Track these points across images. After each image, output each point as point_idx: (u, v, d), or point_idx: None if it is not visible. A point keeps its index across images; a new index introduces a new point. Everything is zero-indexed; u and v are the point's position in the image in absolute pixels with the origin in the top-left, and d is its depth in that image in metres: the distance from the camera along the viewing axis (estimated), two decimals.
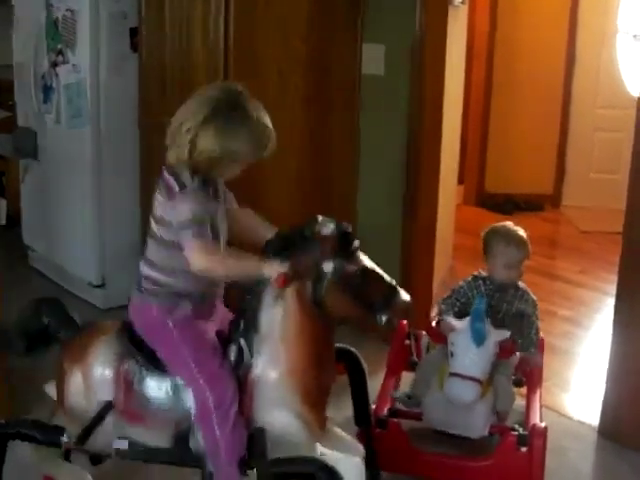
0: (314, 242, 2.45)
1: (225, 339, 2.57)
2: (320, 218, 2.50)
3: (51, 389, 2.76)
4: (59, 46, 4.95)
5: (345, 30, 4.47)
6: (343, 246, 2.46)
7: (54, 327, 2.75)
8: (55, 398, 2.73)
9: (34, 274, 5.59)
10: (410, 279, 4.41)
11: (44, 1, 5.03)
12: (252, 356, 2.51)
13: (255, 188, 4.16)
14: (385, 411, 3.36)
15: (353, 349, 2.89)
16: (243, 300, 2.54)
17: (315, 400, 2.53)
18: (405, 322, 3.80)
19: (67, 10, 4.83)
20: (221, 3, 4.05)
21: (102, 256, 4.98)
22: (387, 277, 2.49)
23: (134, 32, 4.74)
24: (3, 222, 3.61)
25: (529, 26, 7.52)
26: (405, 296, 2.49)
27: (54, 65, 5.03)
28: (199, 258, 2.43)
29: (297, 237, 2.48)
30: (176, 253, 2.49)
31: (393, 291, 2.47)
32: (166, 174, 2.48)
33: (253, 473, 2.45)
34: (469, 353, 3.20)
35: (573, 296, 5.58)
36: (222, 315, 2.67)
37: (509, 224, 3.65)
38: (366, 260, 2.50)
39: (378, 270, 2.50)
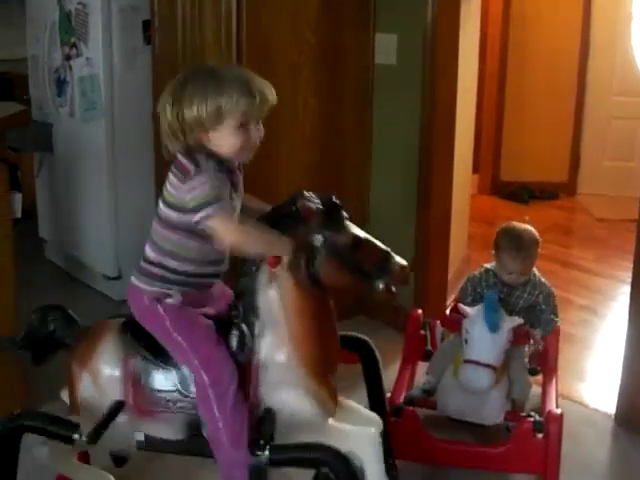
0: (301, 217, 2.44)
1: (225, 322, 2.56)
2: (305, 192, 2.51)
3: (66, 396, 2.78)
4: (72, 39, 4.97)
5: (357, 20, 4.46)
6: (331, 217, 2.45)
7: (60, 333, 2.77)
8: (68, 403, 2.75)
9: (49, 266, 5.62)
10: (425, 269, 4.42)
11: None
12: (254, 339, 2.51)
13: (267, 180, 4.17)
14: (401, 400, 3.37)
15: (367, 338, 2.89)
16: (239, 283, 2.54)
17: (323, 374, 2.52)
18: (420, 311, 3.81)
19: (79, 3, 4.85)
20: None
21: (117, 248, 5.00)
22: (380, 244, 2.47)
23: (147, 25, 4.75)
24: (19, 215, 3.62)
25: (543, 14, 7.49)
26: (400, 260, 2.46)
27: (68, 58, 5.05)
28: (228, 230, 2.41)
29: (283, 213, 2.47)
30: (180, 236, 2.49)
31: (387, 256, 2.45)
32: (180, 157, 2.46)
33: (265, 455, 2.44)
34: (483, 340, 3.20)
35: (589, 284, 5.57)
36: (222, 296, 2.66)
37: (523, 228, 3.60)
38: (356, 229, 2.48)
39: (370, 238, 2.48)
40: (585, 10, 7.57)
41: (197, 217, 2.39)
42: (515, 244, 3.51)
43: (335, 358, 2.60)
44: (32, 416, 2.69)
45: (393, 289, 2.46)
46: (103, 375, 2.63)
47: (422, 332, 3.79)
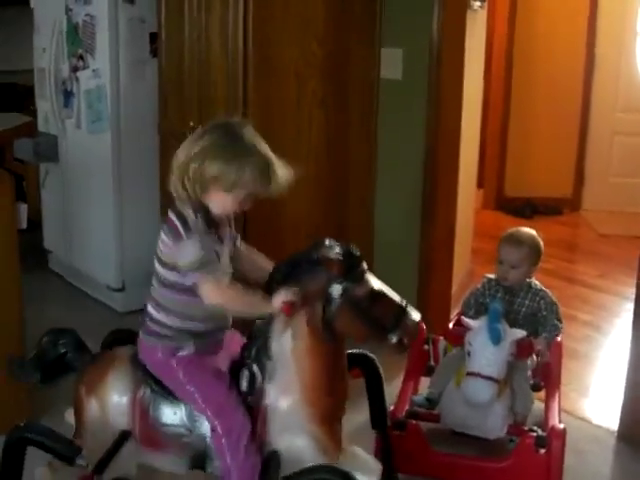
0: (321, 266, 2.44)
1: (237, 365, 2.57)
2: (327, 241, 2.50)
3: (70, 417, 2.78)
4: (79, 51, 4.99)
5: (363, 34, 4.47)
6: (351, 268, 2.44)
7: (70, 357, 2.77)
8: (74, 425, 2.75)
9: (54, 277, 5.63)
10: (429, 283, 4.42)
11: (64, 6, 5.07)
12: (264, 381, 2.52)
13: None
14: (403, 413, 3.37)
15: (369, 353, 2.89)
16: (254, 325, 2.55)
17: (329, 421, 2.53)
18: (424, 327, 3.81)
19: (86, 15, 4.87)
20: (239, 8, 4.06)
21: (121, 260, 5.01)
22: (396, 297, 2.48)
23: (154, 37, 4.77)
24: (24, 226, 3.63)
25: (548, 30, 7.51)
26: (415, 316, 2.48)
27: (74, 70, 5.07)
28: (213, 294, 2.45)
29: (304, 261, 2.47)
30: (180, 295, 2.51)
31: (403, 311, 2.46)
32: (171, 216, 2.48)
33: None
34: (486, 352, 3.20)
35: (592, 300, 5.56)
36: (233, 343, 2.67)
37: (521, 228, 3.67)
38: (375, 281, 2.48)
39: (387, 291, 2.48)
40: (590, 26, 7.58)
41: (188, 280, 2.45)
42: (511, 235, 3.59)
43: (342, 405, 2.60)
44: (37, 430, 2.69)
45: (405, 343, 2.47)
46: (111, 403, 2.62)
47: (425, 347, 3.80)
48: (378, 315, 2.44)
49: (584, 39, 7.60)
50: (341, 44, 4.41)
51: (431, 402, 3.53)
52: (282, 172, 2.50)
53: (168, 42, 4.63)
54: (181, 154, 2.49)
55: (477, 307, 3.59)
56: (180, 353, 2.56)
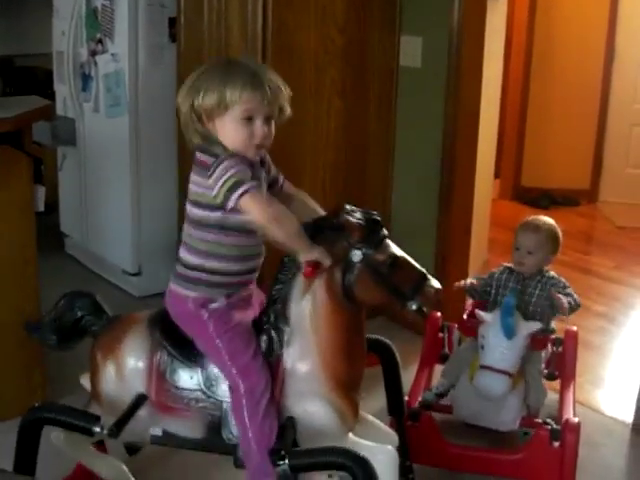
0: (342, 230, 2.43)
1: (256, 328, 2.56)
2: (348, 206, 2.49)
3: (86, 381, 2.78)
4: (98, 35, 4.99)
5: (382, 22, 4.47)
6: (371, 234, 2.44)
7: (87, 320, 2.78)
8: (89, 390, 2.76)
9: (70, 261, 5.64)
10: (445, 273, 4.41)
11: None
12: (282, 347, 2.52)
13: (291, 178, 4.18)
14: (417, 403, 3.37)
15: (387, 340, 2.90)
16: (273, 289, 2.54)
17: (347, 389, 2.53)
18: (439, 314, 3.80)
19: None
20: None
21: (138, 244, 5.02)
22: (417, 265, 2.48)
23: (173, 22, 4.77)
24: (41, 209, 3.64)
25: (568, 20, 7.47)
26: (435, 284, 2.46)
27: (93, 54, 5.06)
28: (261, 207, 2.39)
29: (325, 226, 2.47)
30: (210, 233, 2.49)
31: (423, 279, 2.46)
32: (199, 154, 2.46)
33: (285, 463, 2.44)
34: (499, 346, 3.19)
35: (608, 292, 5.54)
36: (259, 301, 2.66)
37: (541, 216, 3.66)
38: (395, 248, 2.48)
39: (407, 258, 2.48)
40: (611, 18, 7.54)
41: (230, 202, 2.37)
42: (529, 221, 3.59)
43: (360, 375, 2.60)
44: (53, 409, 2.70)
45: (425, 310, 2.46)
46: (127, 366, 2.63)
47: (440, 335, 3.79)
48: (398, 281, 2.44)
49: (604, 30, 7.55)
50: (360, 32, 4.40)
51: (440, 396, 3.54)
52: (276, 79, 2.49)
53: (187, 27, 4.62)
54: (180, 104, 2.50)
55: (489, 291, 3.58)
56: (211, 305, 2.54)
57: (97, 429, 2.56)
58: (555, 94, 7.62)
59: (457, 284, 3.60)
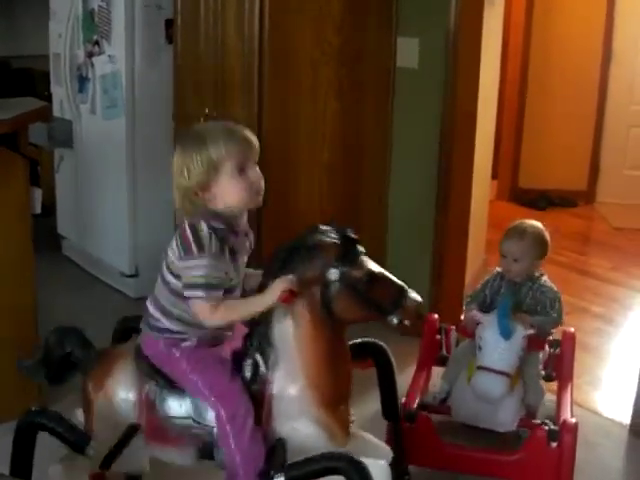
0: (317, 251, 2.44)
1: (240, 354, 2.56)
2: (321, 226, 2.49)
3: (81, 416, 2.78)
4: (95, 37, 4.99)
5: (379, 23, 4.46)
6: (347, 252, 2.44)
7: (76, 355, 2.78)
8: (84, 424, 2.75)
9: (67, 263, 5.64)
10: (442, 273, 4.41)
11: None
12: (268, 369, 2.51)
13: (287, 179, 4.19)
14: (414, 405, 3.36)
15: (381, 343, 2.89)
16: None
17: (335, 406, 2.53)
18: (436, 316, 3.80)
19: (102, 1, 4.87)
20: None
21: (135, 246, 5.02)
22: (395, 279, 2.47)
23: (169, 24, 4.77)
24: (38, 211, 3.63)
25: (565, 22, 7.48)
26: (415, 297, 2.46)
27: (90, 55, 5.07)
28: (207, 318, 2.44)
29: (299, 248, 2.47)
30: (183, 303, 2.50)
31: (402, 292, 2.45)
32: (187, 229, 2.45)
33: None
34: (497, 347, 3.19)
35: (605, 293, 5.54)
36: (235, 333, 2.66)
37: (526, 220, 3.64)
38: (372, 264, 2.48)
39: (385, 273, 2.48)
40: (608, 19, 7.55)
41: (186, 293, 2.44)
42: (513, 228, 3.57)
43: (347, 389, 2.60)
44: (48, 416, 2.69)
45: (407, 324, 2.46)
46: (118, 398, 2.63)
47: (438, 337, 3.79)
48: (377, 297, 2.43)
49: (601, 32, 7.56)
50: (357, 33, 4.39)
51: (444, 400, 3.53)
52: (242, 128, 2.52)
53: (184, 29, 4.62)
54: (175, 178, 2.50)
55: (485, 298, 3.58)
56: (183, 344, 2.57)
57: (91, 452, 2.56)
58: (552, 95, 7.63)
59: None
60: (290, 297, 2.40)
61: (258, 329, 2.53)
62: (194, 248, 2.41)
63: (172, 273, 2.52)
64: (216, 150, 2.43)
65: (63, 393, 3.23)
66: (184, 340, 2.56)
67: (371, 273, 2.45)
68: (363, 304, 2.44)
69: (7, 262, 3.45)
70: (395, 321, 2.44)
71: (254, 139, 2.51)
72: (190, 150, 2.46)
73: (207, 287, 2.40)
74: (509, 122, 7.63)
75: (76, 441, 2.59)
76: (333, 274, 2.41)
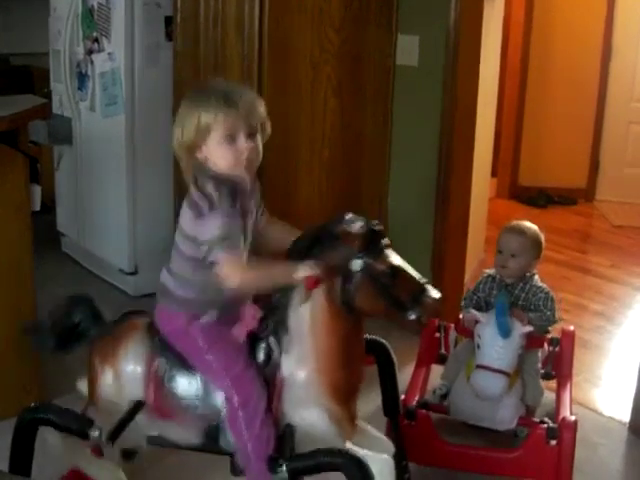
0: (341, 240, 2.43)
1: (254, 337, 2.56)
2: (348, 215, 2.49)
3: (83, 386, 2.77)
4: (94, 34, 4.98)
5: (379, 21, 4.46)
6: (372, 244, 2.44)
7: (85, 325, 2.76)
8: (87, 395, 2.75)
9: (67, 260, 5.63)
10: (441, 272, 4.41)
11: None
12: (280, 354, 2.52)
13: (287, 177, 4.18)
14: (414, 402, 3.36)
15: (383, 340, 2.89)
16: (272, 298, 2.54)
17: (344, 398, 2.52)
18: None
19: None
20: None
21: (134, 243, 5.01)
22: (417, 274, 2.47)
23: (169, 21, 4.76)
24: (37, 208, 3.64)
25: (565, 19, 7.48)
26: (435, 294, 2.45)
27: (89, 53, 5.06)
28: (232, 274, 2.42)
29: (325, 235, 2.46)
30: (199, 269, 2.49)
31: (422, 289, 2.44)
32: (194, 191, 2.47)
33: (283, 470, 2.44)
34: (495, 345, 3.20)
35: (604, 291, 5.54)
36: (251, 315, 2.66)
37: (523, 221, 3.65)
38: (395, 258, 2.47)
39: (407, 268, 2.47)
40: (608, 16, 7.55)
41: (204, 254, 2.43)
42: (513, 225, 3.59)
43: (358, 384, 2.60)
44: (48, 409, 2.69)
45: (423, 320, 2.46)
46: (126, 372, 2.62)
47: (437, 335, 3.79)
48: (397, 291, 2.42)
49: (601, 28, 7.57)
50: (357, 30, 4.39)
51: (445, 397, 3.54)
52: (249, 96, 2.51)
53: (183, 26, 4.61)
54: (176, 149, 2.53)
55: (478, 300, 3.58)
56: (203, 318, 2.54)
57: (94, 433, 2.55)
58: (552, 93, 7.63)
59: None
60: (315, 283, 2.40)
61: (275, 313, 2.53)
62: (205, 207, 2.41)
63: (184, 237, 2.50)
64: (207, 115, 2.43)
65: (63, 388, 3.23)
66: (204, 314, 2.54)
67: (394, 267, 2.44)
68: (383, 297, 2.43)
69: (6, 259, 3.45)
70: (413, 317, 2.43)
71: (256, 107, 2.49)
72: (187, 108, 2.49)
73: (224, 240, 2.38)
74: (509, 120, 7.63)
75: (80, 428, 2.59)
76: (356, 264, 2.41)
